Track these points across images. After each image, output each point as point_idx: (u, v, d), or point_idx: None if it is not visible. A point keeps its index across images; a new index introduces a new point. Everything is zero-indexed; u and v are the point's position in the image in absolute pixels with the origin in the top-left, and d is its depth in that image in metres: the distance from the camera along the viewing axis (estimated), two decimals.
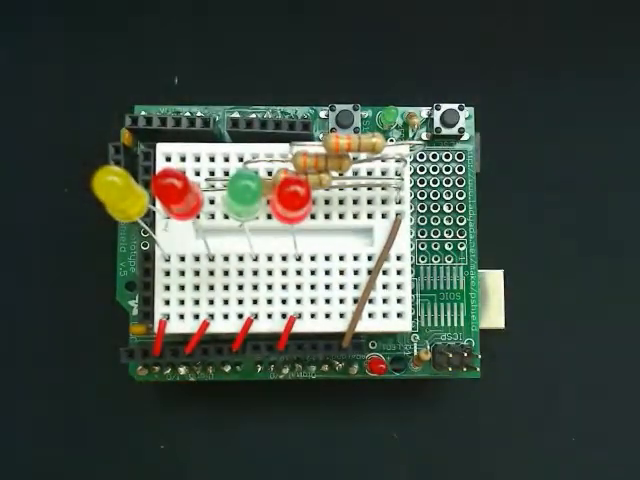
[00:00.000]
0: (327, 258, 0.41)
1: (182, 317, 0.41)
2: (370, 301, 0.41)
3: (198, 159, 0.42)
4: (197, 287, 0.41)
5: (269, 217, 0.41)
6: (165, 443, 0.49)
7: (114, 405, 0.48)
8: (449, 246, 0.46)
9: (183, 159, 0.41)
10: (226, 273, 0.41)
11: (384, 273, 0.41)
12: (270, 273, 0.41)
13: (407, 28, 0.52)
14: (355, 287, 0.41)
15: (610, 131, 0.52)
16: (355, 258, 0.41)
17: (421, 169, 0.46)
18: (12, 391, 0.49)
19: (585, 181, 0.51)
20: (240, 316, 0.41)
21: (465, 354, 0.44)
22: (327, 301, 0.41)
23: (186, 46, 0.52)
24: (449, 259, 0.46)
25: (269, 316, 0.41)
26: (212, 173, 0.41)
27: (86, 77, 0.51)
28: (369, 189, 0.41)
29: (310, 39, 0.52)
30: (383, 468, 0.49)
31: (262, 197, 0.32)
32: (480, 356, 0.45)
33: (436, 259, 0.46)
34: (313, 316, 0.41)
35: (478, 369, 0.45)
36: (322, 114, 0.46)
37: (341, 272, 0.41)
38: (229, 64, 0.52)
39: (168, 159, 0.41)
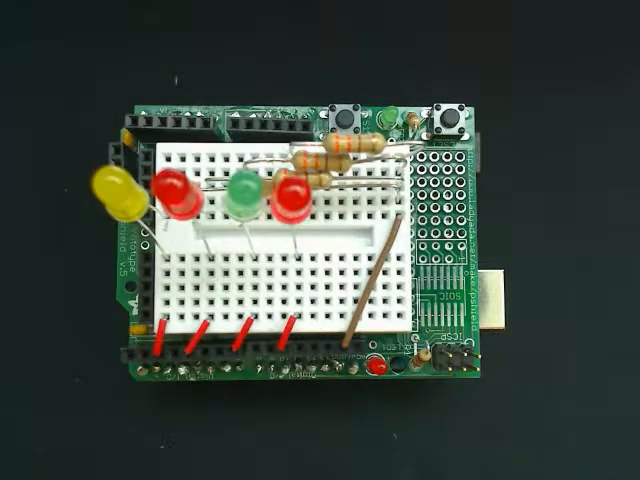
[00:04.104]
0: (327, 258, 0.41)
1: (182, 317, 0.41)
2: (370, 301, 0.41)
3: (198, 159, 0.42)
4: (197, 287, 0.41)
5: (269, 217, 0.41)
6: (165, 443, 0.49)
7: (114, 405, 0.48)
8: (449, 246, 0.46)
9: (183, 159, 0.42)
10: (226, 273, 0.41)
11: (384, 273, 0.41)
12: (270, 273, 0.41)
13: (407, 28, 0.52)
14: (355, 287, 0.41)
15: (610, 131, 0.52)
16: (355, 258, 0.41)
17: (421, 169, 0.46)
18: (12, 390, 0.49)
19: (585, 181, 0.51)
20: (240, 316, 0.41)
21: (465, 354, 0.44)
22: (327, 301, 0.41)
23: (186, 46, 0.52)
24: (449, 259, 0.46)
25: (269, 316, 0.41)
26: (212, 173, 0.41)
27: (86, 77, 0.51)
28: (369, 189, 0.41)
29: (310, 39, 0.52)
30: (383, 468, 0.49)
31: (262, 197, 0.32)
32: (480, 356, 0.45)
33: (436, 259, 0.46)
34: (313, 316, 0.41)
35: (478, 369, 0.45)
36: (322, 114, 0.46)
37: (341, 272, 0.41)
38: (229, 64, 0.52)
39: (168, 159, 0.41)
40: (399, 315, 0.41)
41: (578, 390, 0.50)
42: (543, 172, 0.51)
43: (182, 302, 0.41)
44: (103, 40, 0.52)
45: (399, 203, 0.42)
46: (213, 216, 0.41)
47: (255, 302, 0.41)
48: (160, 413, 0.49)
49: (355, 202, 0.42)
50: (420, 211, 0.46)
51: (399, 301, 0.42)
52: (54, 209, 0.50)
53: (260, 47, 0.52)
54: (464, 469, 0.49)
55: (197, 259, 0.41)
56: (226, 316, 0.41)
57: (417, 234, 0.46)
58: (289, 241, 0.40)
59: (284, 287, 0.41)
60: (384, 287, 0.41)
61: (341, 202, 0.42)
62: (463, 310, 0.46)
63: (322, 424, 0.49)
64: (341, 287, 0.41)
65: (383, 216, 0.42)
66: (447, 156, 0.46)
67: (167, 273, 0.41)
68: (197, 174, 0.41)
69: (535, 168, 0.51)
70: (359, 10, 0.53)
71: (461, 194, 0.46)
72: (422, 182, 0.46)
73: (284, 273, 0.41)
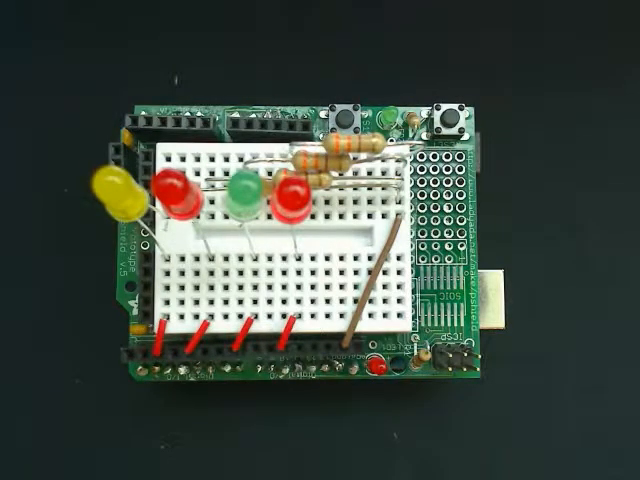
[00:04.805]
0: (327, 258, 0.41)
1: (182, 317, 0.41)
2: (370, 301, 0.41)
3: (198, 159, 0.42)
4: (197, 287, 0.41)
5: (269, 217, 0.41)
6: (165, 443, 0.49)
7: (114, 405, 0.48)
8: (449, 246, 0.46)
9: (183, 159, 0.42)
10: (226, 273, 0.41)
11: (384, 273, 0.41)
12: (270, 273, 0.41)
13: (407, 28, 0.52)
14: (355, 287, 0.41)
15: (610, 131, 0.52)
16: (355, 258, 0.41)
17: (421, 169, 0.46)
18: (12, 389, 0.49)
19: (585, 181, 0.51)
20: (240, 316, 0.41)
21: (465, 354, 0.44)
22: (327, 301, 0.41)
23: (186, 46, 0.52)
24: (449, 259, 0.46)
25: (269, 316, 0.41)
26: (212, 173, 0.41)
27: (86, 77, 0.51)
28: (369, 189, 0.41)
29: (310, 39, 0.52)
30: (383, 468, 0.49)
31: (262, 197, 0.32)
32: (480, 356, 0.45)
33: (436, 259, 0.46)
34: (313, 316, 0.41)
35: (478, 369, 0.45)
36: (322, 114, 0.46)
37: (341, 272, 0.41)
38: (229, 64, 0.52)
39: (168, 159, 0.41)
40: (399, 315, 0.41)
41: (578, 390, 0.50)
42: (543, 172, 0.51)
43: (182, 302, 0.41)
44: (103, 40, 0.51)
45: (399, 203, 0.42)
46: (213, 216, 0.41)
47: (255, 302, 0.41)
48: (160, 413, 0.49)
49: (355, 202, 0.42)
50: (420, 211, 0.46)
51: (399, 301, 0.42)
52: (54, 209, 0.50)
53: (260, 47, 0.52)
54: (464, 469, 0.49)
55: (197, 259, 0.41)
56: (226, 316, 0.41)
57: (417, 234, 0.46)
58: (289, 241, 0.40)
59: (284, 287, 0.41)
60: (384, 287, 0.41)
61: (341, 202, 0.41)
62: (463, 310, 0.46)
63: (322, 424, 0.49)
64: (341, 287, 0.41)
65: (383, 216, 0.42)
66: (447, 156, 0.46)
67: (167, 273, 0.41)
68: (197, 174, 0.41)
69: (535, 168, 0.51)
70: (359, 10, 0.53)
71: (461, 194, 0.46)
72: (422, 182, 0.46)
73: (284, 273, 0.41)
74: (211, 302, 0.41)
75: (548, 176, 0.51)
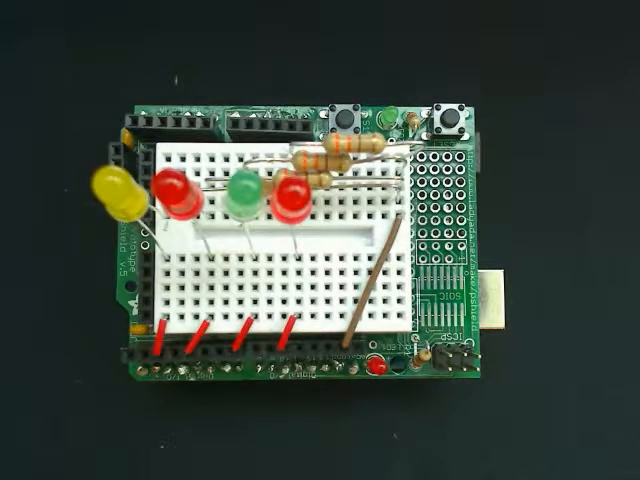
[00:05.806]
0: (327, 258, 0.41)
1: (182, 317, 0.41)
2: (370, 301, 0.41)
3: (198, 159, 0.42)
4: (197, 287, 0.41)
5: (269, 217, 0.41)
6: (165, 443, 0.49)
7: (114, 405, 0.48)
8: (449, 246, 0.46)
9: (183, 159, 0.42)
10: (226, 273, 0.41)
11: (384, 273, 0.41)
12: (270, 273, 0.41)
13: (407, 28, 0.52)
14: (355, 287, 0.41)
15: (610, 131, 0.52)
16: (355, 258, 0.41)
17: (421, 169, 0.46)
18: (12, 389, 0.49)
19: (585, 181, 0.51)
20: (240, 316, 0.41)
21: (465, 354, 0.44)
22: (327, 301, 0.41)
23: (186, 46, 0.52)
24: (449, 259, 0.46)
25: (269, 316, 0.41)
26: (212, 173, 0.41)
27: (86, 77, 0.51)
28: (369, 189, 0.41)
29: (310, 39, 0.52)
30: (383, 468, 0.49)
31: (262, 197, 0.32)
32: (480, 356, 0.45)
33: (436, 259, 0.46)
34: (313, 316, 0.41)
35: (478, 369, 0.45)
36: (322, 114, 0.46)
37: (341, 272, 0.41)
38: (229, 64, 0.52)
39: (168, 159, 0.41)
40: (399, 315, 0.41)
41: (578, 390, 0.50)
42: (543, 172, 0.51)
43: (182, 302, 0.41)
44: (103, 40, 0.51)
45: (399, 203, 0.42)
46: (213, 216, 0.41)
47: (255, 302, 0.41)
48: (160, 413, 0.49)
49: (355, 202, 0.42)
50: (420, 211, 0.46)
51: (399, 301, 0.42)
52: (54, 209, 0.50)
53: (260, 47, 0.52)
54: (464, 469, 0.49)
55: (197, 259, 0.41)
56: (226, 316, 0.41)
57: (417, 234, 0.46)
58: (289, 241, 0.40)
59: (284, 287, 0.41)
60: (384, 287, 0.41)
61: (341, 202, 0.41)
62: (463, 310, 0.46)
63: (322, 424, 0.49)
64: (341, 287, 0.41)
65: (383, 216, 0.42)
66: (447, 156, 0.46)
67: (167, 273, 0.41)
68: (197, 174, 0.41)
69: (535, 168, 0.51)
70: (359, 10, 0.53)
71: (461, 194, 0.46)
72: (422, 182, 0.46)
73: (284, 273, 0.41)
74: (211, 302, 0.41)
75: (548, 176, 0.51)
